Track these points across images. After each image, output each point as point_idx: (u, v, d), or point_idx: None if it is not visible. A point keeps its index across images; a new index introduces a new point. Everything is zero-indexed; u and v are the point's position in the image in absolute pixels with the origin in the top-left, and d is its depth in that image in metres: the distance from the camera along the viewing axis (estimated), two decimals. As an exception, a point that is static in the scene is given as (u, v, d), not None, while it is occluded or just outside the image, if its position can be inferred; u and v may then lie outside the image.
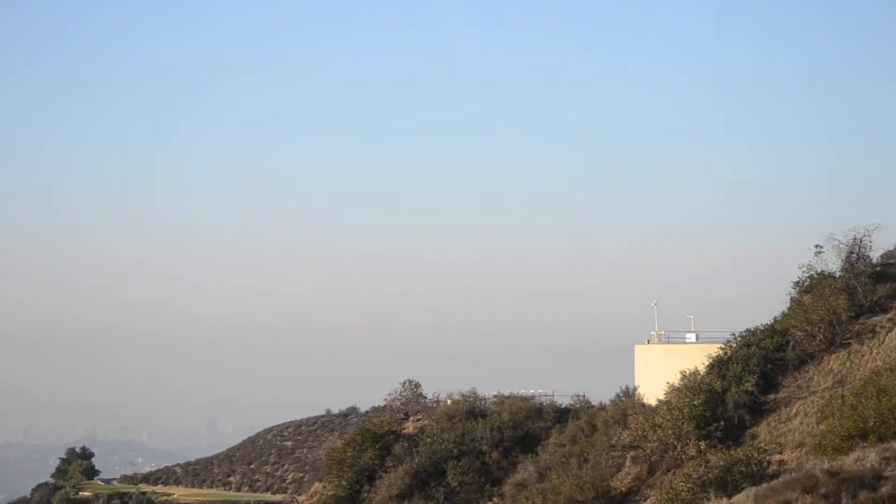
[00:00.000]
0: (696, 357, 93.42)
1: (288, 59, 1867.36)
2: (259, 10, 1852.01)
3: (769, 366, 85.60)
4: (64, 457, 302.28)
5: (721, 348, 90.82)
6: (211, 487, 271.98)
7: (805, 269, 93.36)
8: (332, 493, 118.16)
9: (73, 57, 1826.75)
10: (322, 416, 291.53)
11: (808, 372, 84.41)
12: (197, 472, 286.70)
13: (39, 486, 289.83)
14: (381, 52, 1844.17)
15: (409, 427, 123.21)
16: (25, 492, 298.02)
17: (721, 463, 69.51)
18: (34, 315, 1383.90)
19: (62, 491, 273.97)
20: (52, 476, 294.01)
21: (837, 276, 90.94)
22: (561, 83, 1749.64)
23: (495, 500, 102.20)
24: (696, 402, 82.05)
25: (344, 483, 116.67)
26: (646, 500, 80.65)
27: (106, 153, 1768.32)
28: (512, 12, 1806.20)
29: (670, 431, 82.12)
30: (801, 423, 77.77)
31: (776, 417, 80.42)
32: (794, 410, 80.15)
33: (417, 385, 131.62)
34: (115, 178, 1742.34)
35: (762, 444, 74.33)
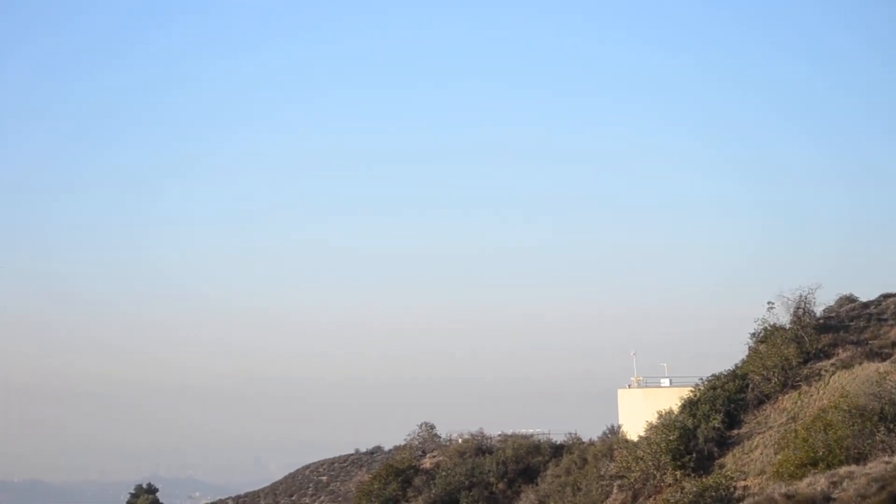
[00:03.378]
0: (670, 399, 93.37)
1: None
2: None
3: (732, 405, 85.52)
4: (132, 492, 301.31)
5: (691, 391, 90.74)
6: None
7: (760, 321, 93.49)
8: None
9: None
10: (352, 454, 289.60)
11: (765, 410, 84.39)
12: (246, 503, 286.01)
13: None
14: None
15: (427, 463, 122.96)
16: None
17: (695, 489, 69.31)
18: (104, 376, 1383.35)
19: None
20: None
21: (787, 327, 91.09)
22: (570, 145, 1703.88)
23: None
24: (671, 438, 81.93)
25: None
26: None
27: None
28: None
29: (650, 463, 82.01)
30: (762, 453, 77.61)
31: (740, 449, 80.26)
32: (755, 443, 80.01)
33: (432, 427, 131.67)
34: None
35: (729, 473, 74.15)
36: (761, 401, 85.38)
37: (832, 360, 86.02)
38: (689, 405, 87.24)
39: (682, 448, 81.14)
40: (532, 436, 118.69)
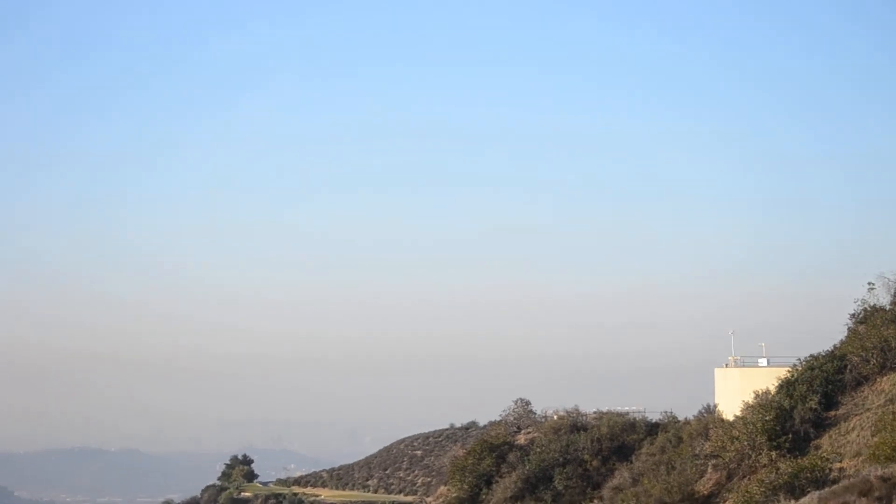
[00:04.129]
0: (767, 379, 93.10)
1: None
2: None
3: (830, 386, 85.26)
4: (228, 463, 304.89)
5: (789, 371, 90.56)
6: (352, 490, 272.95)
7: (860, 302, 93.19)
8: (455, 495, 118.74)
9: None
10: (447, 429, 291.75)
11: (863, 392, 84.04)
12: (340, 477, 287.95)
13: (208, 488, 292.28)
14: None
15: (521, 439, 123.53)
16: (196, 492, 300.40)
17: (789, 470, 69.52)
18: (199, 350, 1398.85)
19: (227, 492, 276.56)
20: (219, 479, 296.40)
21: (887, 308, 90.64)
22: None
23: (595, 502, 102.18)
24: (767, 418, 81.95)
25: (465, 486, 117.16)
26: (725, 502, 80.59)
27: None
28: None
29: (746, 443, 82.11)
30: (858, 435, 77.41)
31: (836, 431, 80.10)
32: (851, 425, 79.80)
33: (528, 403, 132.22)
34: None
35: (825, 454, 74.20)
36: (859, 382, 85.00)
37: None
38: (787, 385, 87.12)
39: (778, 428, 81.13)
40: (627, 414, 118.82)
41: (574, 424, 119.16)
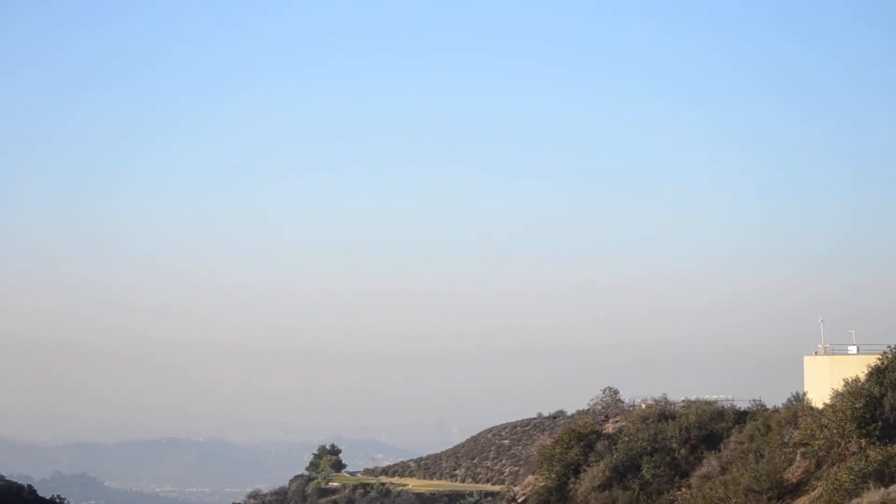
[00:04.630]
0: (857, 366, 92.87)
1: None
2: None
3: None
4: (316, 452, 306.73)
5: (879, 359, 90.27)
6: (440, 479, 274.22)
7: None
8: (543, 484, 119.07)
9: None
10: (534, 419, 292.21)
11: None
12: (427, 466, 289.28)
13: (296, 477, 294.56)
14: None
15: (609, 428, 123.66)
16: (284, 482, 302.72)
17: (879, 457, 69.49)
18: (293, 337, 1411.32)
19: (315, 481, 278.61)
20: (307, 469, 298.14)
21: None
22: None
23: (683, 490, 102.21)
24: (857, 406, 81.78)
25: (553, 475, 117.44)
26: (814, 490, 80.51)
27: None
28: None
29: (835, 431, 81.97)
30: (950, 422, 77.12)
31: (927, 418, 79.83)
32: (942, 412, 79.49)
33: (616, 392, 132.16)
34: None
35: (915, 442, 74.00)
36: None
37: None
38: (877, 373, 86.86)
39: (867, 416, 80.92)
40: (715, 402, 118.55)
41: (662, 413, 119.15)
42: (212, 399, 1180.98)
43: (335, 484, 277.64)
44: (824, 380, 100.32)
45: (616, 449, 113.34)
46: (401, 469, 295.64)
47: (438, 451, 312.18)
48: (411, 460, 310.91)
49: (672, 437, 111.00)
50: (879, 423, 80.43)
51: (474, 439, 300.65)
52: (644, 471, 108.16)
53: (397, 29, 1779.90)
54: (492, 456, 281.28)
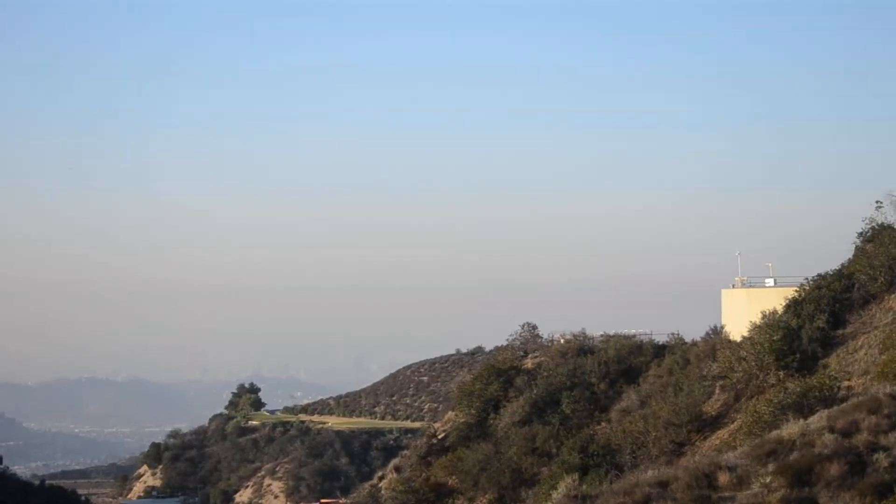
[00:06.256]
0: (774, 299, 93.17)
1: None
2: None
3: (837, 305, 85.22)
4: (235, 391, 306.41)
5: (796, 291, 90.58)
6: (360, 417, 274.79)
7: (867, 221, 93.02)
8: (463, 420, 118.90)
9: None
10: (453, 355, 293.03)
11: (871, 310, 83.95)
12: (347, 404, 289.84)
13: (215, 417, 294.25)
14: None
15: (528, 363, 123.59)
16: (204, 421, 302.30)
17: (798, 389, 69.44)
18: (214, 272, 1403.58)
19: (234, 420, 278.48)
20: (226, 408, 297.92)
21: (895, 226, 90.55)
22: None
23: (603, 424, 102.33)
24: (775, 338, 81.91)
25: (473, 411, 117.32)
26: (733, 422, 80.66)
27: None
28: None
29: (753, 363, 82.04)
30: (866, 353, 77.38)
31: (844, 349, 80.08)
32: (859, 343, 79.76)
33: (535, 327, 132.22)
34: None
35: (833, 373, 74.07)
36: (867, 300, 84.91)
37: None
38: (794, 305, 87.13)
39: (785, 348, 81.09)
40: (634, 336, 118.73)
41: (581, 348, 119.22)
42: (130, 337, 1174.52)
43: (255, 423, 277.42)
44: (742, 313, 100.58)
45: (535, 384, 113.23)
46: (320, 407, 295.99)
47: (358, 389, 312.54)
48: (331, 398, 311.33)
49: (591, 371, 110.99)
50: (797, 355, 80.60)
51: (393, 376, 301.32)
52: (564, 406, 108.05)
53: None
54: (411, 393, 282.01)
